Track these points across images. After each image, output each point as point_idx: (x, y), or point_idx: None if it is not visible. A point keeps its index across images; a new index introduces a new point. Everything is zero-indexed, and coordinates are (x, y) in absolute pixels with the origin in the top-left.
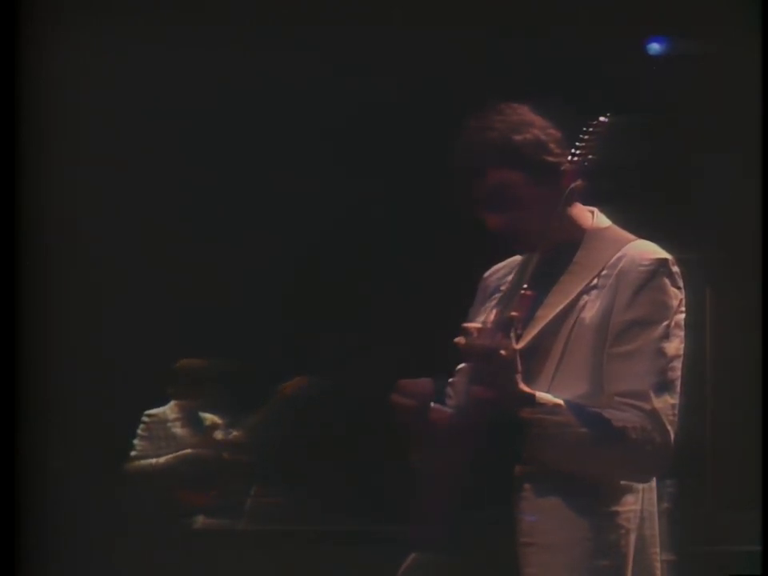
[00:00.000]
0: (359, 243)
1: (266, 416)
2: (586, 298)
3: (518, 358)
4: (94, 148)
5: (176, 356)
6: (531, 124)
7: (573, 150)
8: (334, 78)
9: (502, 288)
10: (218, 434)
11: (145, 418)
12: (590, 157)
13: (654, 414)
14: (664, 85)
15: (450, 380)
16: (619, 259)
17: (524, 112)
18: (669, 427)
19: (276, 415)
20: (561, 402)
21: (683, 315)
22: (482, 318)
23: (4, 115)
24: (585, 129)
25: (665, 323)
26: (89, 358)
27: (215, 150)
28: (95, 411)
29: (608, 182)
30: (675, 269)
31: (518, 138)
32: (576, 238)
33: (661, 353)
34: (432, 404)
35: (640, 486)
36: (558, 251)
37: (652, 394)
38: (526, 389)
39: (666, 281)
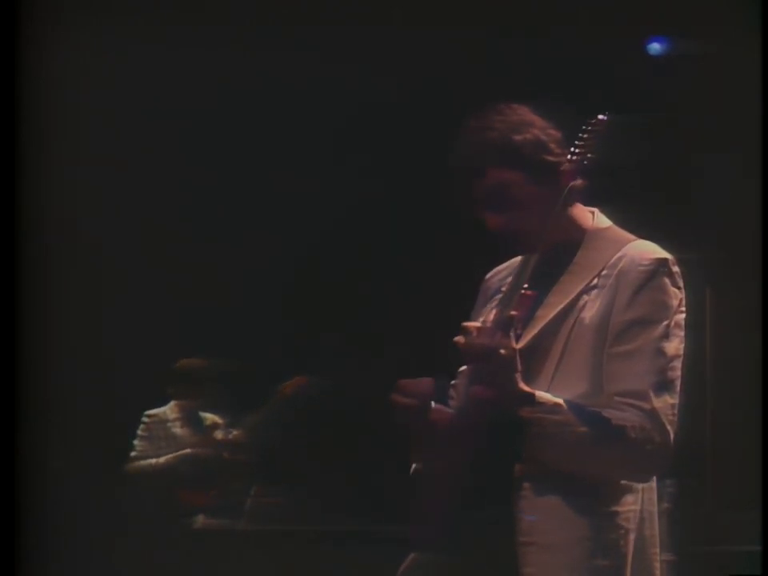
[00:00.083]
0: (359, 243)
1: (266, 416)
2: (585, 297)
3: (518, 358)
4: (93, 148)
5: (176, 356)
6: (531, 124)
7: (572, 149)
8: (334, 78)
9: (503, 289)
10: (218, 434)
11: (145, 419)
12: (589, 156)
13: (653, 414)
14: (664, 85)
15: (453, 382)
16: (619, 259)
17: (524, 112)
18: (668, 427)
19: (276, 415)
20: (560, 401)
21: (683, 315)
22: (483, 319)
23: (4, 115)
24: (584, 127)
25: (665, 323)
26: (89, 357)
27: (215, 150)
28: (95, 411)
29: (608, 182)
30: (675, 269)
31: (517, 137)
32: (576, 238)
33: (660, 352)
34: (433, 404)
35: (640, 486)
36: (559, 251)
37: (651, 394)
38: (526, 388)
39: (666, 280)
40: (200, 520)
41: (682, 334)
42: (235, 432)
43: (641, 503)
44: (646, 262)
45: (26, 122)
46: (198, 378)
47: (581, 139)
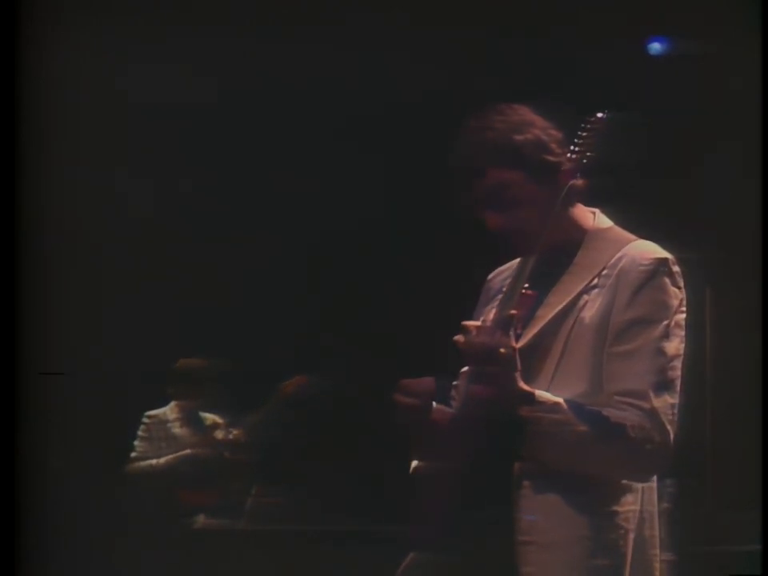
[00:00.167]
0: (359, 243)
1: (266, 416)
2: (586, 297)
3: (517, 357)
4: (93, 148)
5: (176, 356)
6: (532, 124)
7: (571, 148)
8: (334, 78)
9: (505, 290)
10: (219, 434)
11: (145, 419)
12: (588, 154)
13: (653, 413)
14: (664, 85)
15: (455, 382)
16: (619, 259)
17: (525, 112)
18: (668, 427)
19: (276, 415)
20: (560, 400)
21: (684, 315)
22: (483, 318)
23: (4, 115)
24: (583, 126)
25: (665, 322)
26: (89, 358)
27: (215, 150)
28: (95, 411)
29: (607, 182)
30: (676, 268)
31: (518, 137)
32: (577, 238)
33: (661, 352)
34: (434, 404)
35: (639, 486)
36: (559, 251)
37: (651, 394)
38: (526, 387)
39: (667, 280)
40: (200, 520)
41: (683, 333)
42: (235, 432)
43: (641, 503)
44: (647, 262)
45: (25, 121)
46: (198, 378)
47: (580, 138)
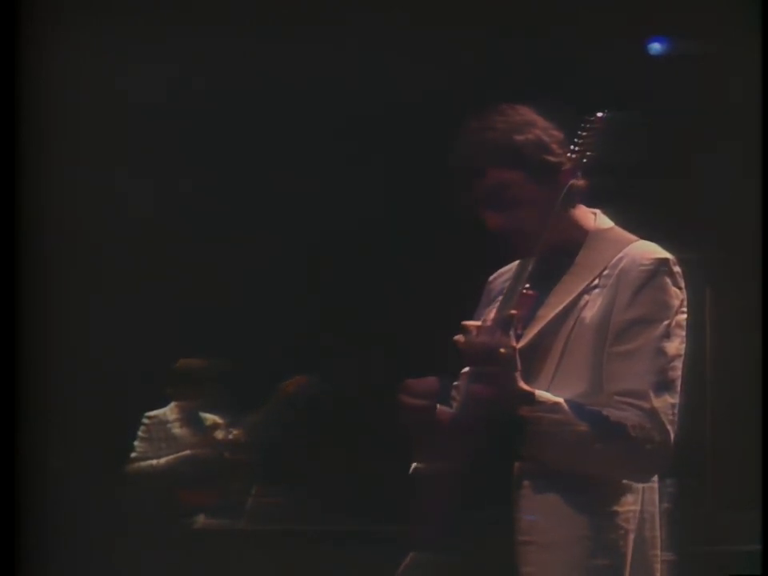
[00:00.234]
0: (359, 243)
1: (266, 416)
2: (586, 297)
3: (517, 357)
4: (94, 148)
5: (176, 356)
6: (533, 124)
7: (571, 147)
8: (333, 78)
9: (505, 290)
10: (219, 434)
11: (145, 420)
12: (588, 154)
13: (653, 413)
14: (664, 85)
15: (455, 383)
16: (620, 259)
17: (526, 112)
18: (668, 427)
19: (276, 415)
20: (560, 400)
21: (684, 316)
22: (484, 318)
23: (4, 115)
24: (583, 125)
25: (665, 322)
26: (89, 358)
27: (215, 150)
28: (95, 411)
29: (607, 182)
30: (677, 269)
31: (519, 137)
32: (578, 239)
33: (661, 352)
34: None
35: (640, 486)
36: (560, 252)
37: (651, 394)
38: (526, 387)
39: (668, 280)
40: (200, 520)
41: (683, 334)
42: (235, 432)
43: (641, 504)
44: (647, 262)
45: (25, 121)
46: (198, 379)
47: (580, 137)
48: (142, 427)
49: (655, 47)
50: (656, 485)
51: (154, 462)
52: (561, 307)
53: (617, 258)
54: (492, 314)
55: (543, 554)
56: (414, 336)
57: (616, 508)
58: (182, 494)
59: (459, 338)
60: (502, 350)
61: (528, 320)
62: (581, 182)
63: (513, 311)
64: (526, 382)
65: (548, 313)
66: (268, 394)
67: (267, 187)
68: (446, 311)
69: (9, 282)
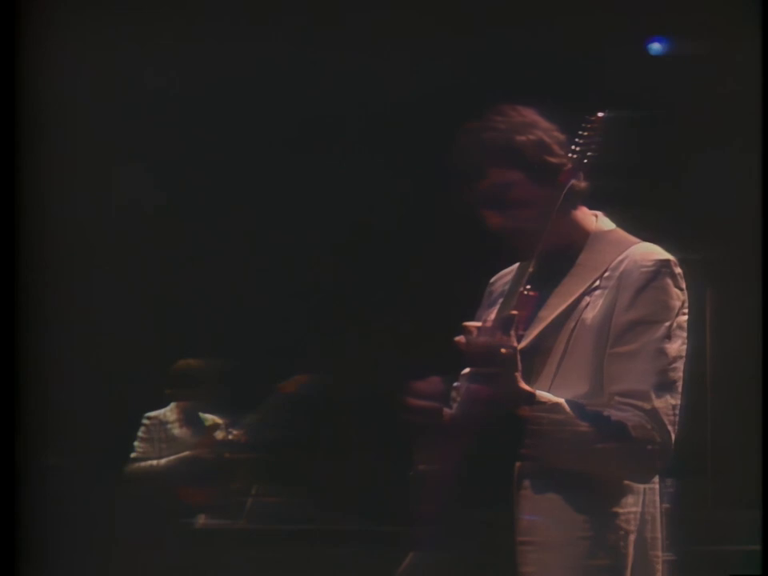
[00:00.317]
0: (359, 244)
1: (266, 415)
2: (587, 298)
3: (518, 357)
4: (94, 148)
5: (175, 357)
6: (535, 125)
7: (572, 147)
8: (335, 78)
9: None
10: (219, 435)
11: (145, 420)
12: (589, 154)
13: (654, 414)
14: (664, 85)
15: (455, 384)
16: (622, 261)
17: (528, 113)
18: (669, 427)
19: (276, 414)
20: (561, 400)
21: (686, 317)
22: (485, 319)
23: (4, 115)
24: (583, 125)
25: (667, 323)
26: (88, 358)
27: (217, 149)
28: (95, 412)
29: (608, 183)
30: (678, 270)
31: (521, 138)
32: (579, 240)
33: (662, 353)
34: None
35: (641, 487)
36: (562, 253)
37: (653, 394)
38: (527, 387)
39: (669, 281)
40: (200, 520)
41: (685, 335)
42: (235, 432)
43: (642, 505)
44: (649, 263)
45: (26, 121)
46: (198, 379)
47: (580, 138)
48: (142, 428)
49: (655, 47)
50: (657, 486)
51: (154, 462)
52: (562, 308)
53: (618, 259)
54: (493, 315)
55: (543, 555)
56: (414, 337)
57: (616, 509)
58: (182, 493)
59: (460, 338)
60: (504, 350)
61: (529, 321)
62: (582, 183)
63: (513, 311)
64: (527, 383)
65: (549, 314)
66: (268, 393)
67: (268, 187)
68: (446, 312)
69: (9, 282)
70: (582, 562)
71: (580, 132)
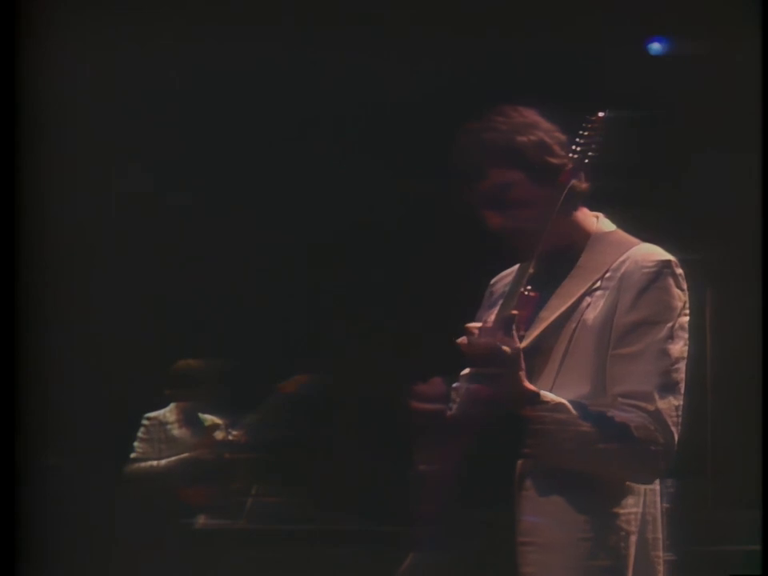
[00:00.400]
0: (359, 244)
1: (266, 415)
2: (588, 299)
3: (522, 356)
4: (94, 148)
5: (175, 357)
6: (536, 126)
7: (572, 147)
8: (335, 78)
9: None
10: (218, 435)
11: (144, 421)
12: (589, 154)
13: (657, 415)
14: (664, 85)
15: (455, 384)
16: (623, 262)
17: (529, 114)
18: (673, 428)
19: (276, 414)
20: (564, 401)
21: (687, 317)
22: (485, 320)
23: (4, 115)
24: (583, 126)
25: (669, 324)
26: (88, 358)
27: (216, 149)
28: (95, 412)
29: (608, 182)
30: (679, 270)
31: (522, 139)
32: (580, 241)
33: (665, 354)
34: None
35: (642, 488)
36: (562, 254)
37: (656, 395)
38: (531, 387)
39: (671, 282)
40: (200, 520)
41: (686, 336)
42: (235, 432)
43: (643, 506)
44: (650, 264)
45: (26, 121)
46: (197, 379)
47: (581, 138)
48: (142, 428)
49: (655, 47)
50: (658, 487)
51: (155, 463)
52: (563, 309)
53: (619, 260)
54: (493, 317)
55: (544, 555)
56: (414, 337)
57: (617, 510)
58: (182, 493)
59: (462, 339)
60: (507, 350)
61: (530, 321)
62: (582, 184)
63: (514, 311)
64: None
65: (550, 315)
66: (268, 393)
67: (268, 187)
68: (446, 312)
69: (9, 283)
70: (582, 562)
71: (580, 132)
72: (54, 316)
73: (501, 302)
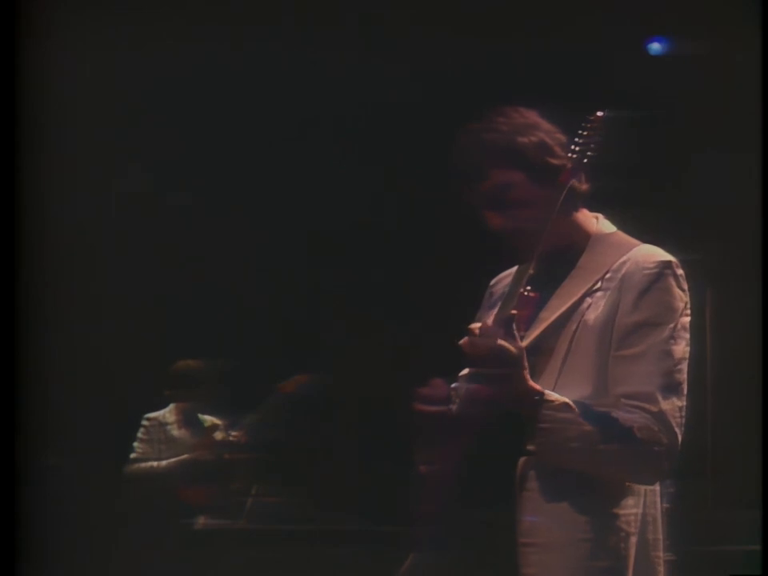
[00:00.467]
0: (359, 245)
1: (266, 415)
2: (589, 300)
3: (525, 355)
4: (94, 148)
5: (174, 358)
6: (536, 127)
7: (572, 147)
8: (336, 78)
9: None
10: (218, 435)
11: (144, 421)
12: (588, 154)
13: (661, 416)
14: (664, 85)
15: (454, 385)
16: (623, 263)
17: (530, 115)
18: (676, 429)
19: (275, 414)
20: (568, 400)
21: (689, 318)
22: (485, 320)
23: (4, 115)
24: (583, 126)
25: (671, 325)
26: (88, 359)
27: (216, 149)
28: (95, 413)
29: (607, 183)
30: (680, 271)
31: (522, 140)
32: (580, 242)
33: (668, 355)
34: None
35: (642, 488)
36: (563, 255)
37: (659, 396)
38: (536, 386)
39: (672, 282)
40: (200, 520)
41: (688, 336)
42: (235, 433)
43: (643, 506)
44: (651, 265)
45: (26, 121)
46: (197, 380)
47: (580, 137)
48: (142, 429)
49: (655, 47)
50: (658, 488)
51: (155, 463)
52: (563, 309)
53: (620, 261)
54: (492, 317)
55: (544, 556)
56: (414, 338)
57: (617, 511)
58: (182, 493)
59: (465, 341)
60: (513, 349)
61: (530, 321)
62: (582, 185)
63: (513, 311)
64: None
65: (550, 315)
66: (268, 393)
67: (269, 187)
68: (446, 313)
69: (9, 283)
70: (582, 563)
71: (580, 132)
72: (54, 316)
73: (501, 302)
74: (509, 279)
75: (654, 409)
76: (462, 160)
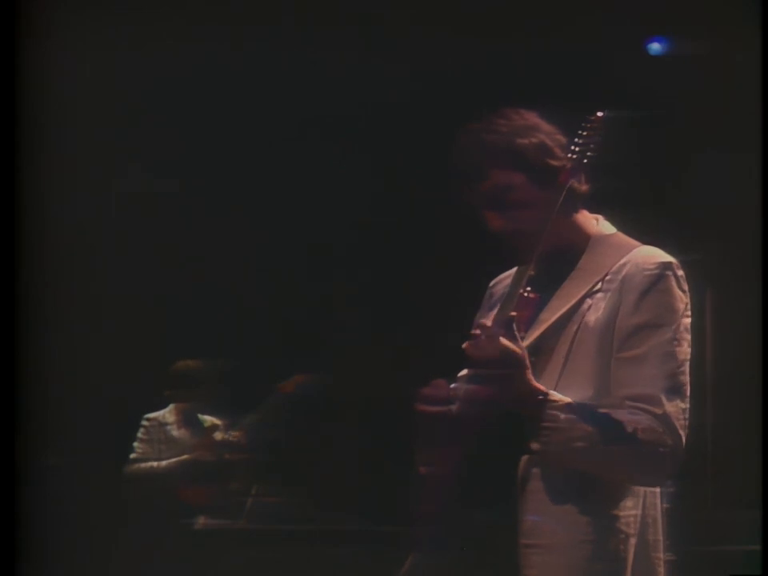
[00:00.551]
0: (359, 245)
1: (265, 415)
2: (589, 301)
3: (527, 356)
4: (94, 148)
5: (174, 358)
6: (536, 128)
7: (571, 147)
8: (337, 78)
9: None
10: (218, 435)
11: (144, 422)
12: (588, 154)
13: (666, 418)
14: (664, 85)
15: (452, 385)
16: (623, 265)
17: (530, 117)
18: (681, 431)
19: (275, 414)
20: (571, 401)
21: (690, 319)
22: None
23: (4, 115)
24: (582, 126)
25: (673, 326)
26: (87, 359)
27: (216, 149)
28: (95, 413)
29: (607, 183)
30: (680, 272)
31: (522, 141)
32: (580, 243)
33: (670, 356)
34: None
35: (641, 490)
36: (563, 256)
37: (663, 398)
38: (540, 386)
39: (673, 283)
40: (200, 520)
41: (689, 337)
42: (234, 433)
43: (642, 508)
44: (652, 266)
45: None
46: (197, 380)
47: (580, 137)
48: (141, 429)
49: (655, 47)
50: (657, 489)
51: (155, 463)
52: (563, 310)
53: (620, 263)
54: (492, 318)
55: (544, 557)
56: (414, 338)
57: (616, 512)
58: (182, 493)
59: (467, 344)
60: (517, 350)
61: (530, 322)
62: (582, 186)
63: (513, 312)
64: None
65: (550, 316)
66: (268, 393)
67: (269, 187)
68: (446, 313)
69: (9, 283)
70: (582, 564)
71: (579, 132)
72: (54, 316)
73: (500, 303)
74: (509, 280)
75: (658, 411)
76: (462, 160)
